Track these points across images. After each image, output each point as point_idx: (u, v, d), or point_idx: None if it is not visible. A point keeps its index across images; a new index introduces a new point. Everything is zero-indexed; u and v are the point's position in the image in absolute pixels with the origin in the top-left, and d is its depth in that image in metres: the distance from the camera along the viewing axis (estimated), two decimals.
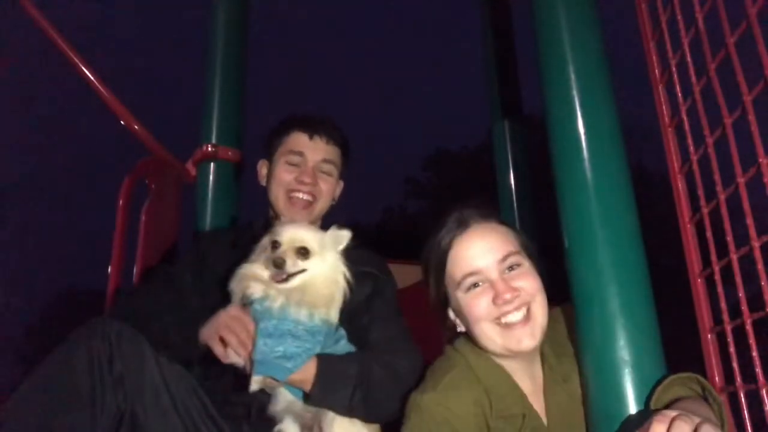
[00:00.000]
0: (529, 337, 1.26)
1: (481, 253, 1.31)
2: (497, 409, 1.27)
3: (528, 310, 1.28)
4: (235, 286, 1.44)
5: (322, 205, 1.77)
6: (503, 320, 1.27)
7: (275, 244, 1.43)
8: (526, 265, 1.33)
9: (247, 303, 1.41)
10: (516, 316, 1.27)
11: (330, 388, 1.36)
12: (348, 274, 1.47)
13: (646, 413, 1.04)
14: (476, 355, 1.34)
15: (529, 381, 1.34)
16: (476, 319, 1.29)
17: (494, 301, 1.27)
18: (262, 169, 1.86)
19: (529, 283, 1.29)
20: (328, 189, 1.77)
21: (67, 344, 1.31)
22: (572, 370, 1.30)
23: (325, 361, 1.38)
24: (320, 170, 1.76)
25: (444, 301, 1.39)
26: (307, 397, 1.38)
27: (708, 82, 1.15)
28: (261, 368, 1.31)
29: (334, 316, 1.43)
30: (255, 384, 1.32)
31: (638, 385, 1.11)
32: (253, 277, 1.43)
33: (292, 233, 1.44)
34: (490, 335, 1.28)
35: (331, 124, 1.80)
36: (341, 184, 1.87)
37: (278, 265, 1.38)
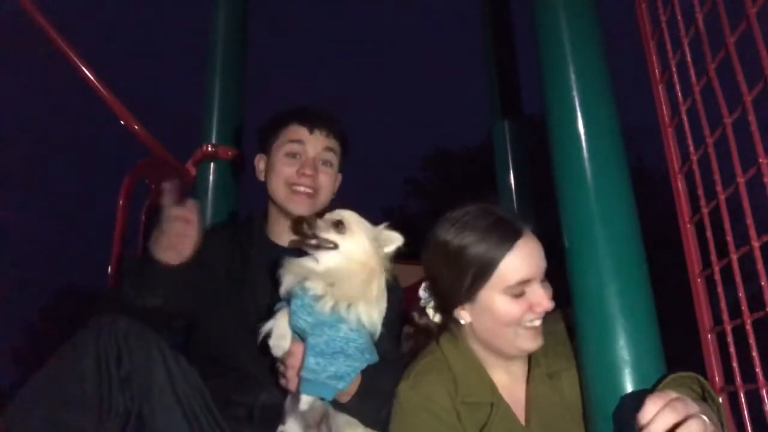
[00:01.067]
0: (541, 339, 1.35)
1: (536, 263, 1.34)
2: (461, 394, 1.32)
3: None
4: (286, 275, 1.41)
5: (323, 198, 1.74)
6: (529, 324, 1.32)
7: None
8: None
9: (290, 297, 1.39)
10: (539, 322, 1.34)
11: (368, 402, 1.37)
12: (384, 263, 1.44)
13: (642, 394, 1.03)
14: (452, 346, 1.40)
15: (504, 375, 1.39)
16: (510, 322, 1.31)
17: (534, 308, 1.31)
18: (260, 164, 1.81)
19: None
20: (329, 182, 1.75)
21: (76, 342, 1.29)
22: (563, 369, 1.33)
23: (366, 375, 1.38)
24: (321, 162, 1.73)
25: (461, 298, 1.36)
26: (339, 405, 1.37)
27: (708, 82, 1.14)
28: (312, 388, 1.31)
29: (377, 320, 1.40)
30: (305, 404, 1.32)
31: (638, 385, 1.11)
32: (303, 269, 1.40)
33: (335, 212, 1.46)
34: (513, 338, 1.33)
35: (330, 117, 1.77)
36: (339, 177, 1.84)
37: (310, 226, 1.39)
